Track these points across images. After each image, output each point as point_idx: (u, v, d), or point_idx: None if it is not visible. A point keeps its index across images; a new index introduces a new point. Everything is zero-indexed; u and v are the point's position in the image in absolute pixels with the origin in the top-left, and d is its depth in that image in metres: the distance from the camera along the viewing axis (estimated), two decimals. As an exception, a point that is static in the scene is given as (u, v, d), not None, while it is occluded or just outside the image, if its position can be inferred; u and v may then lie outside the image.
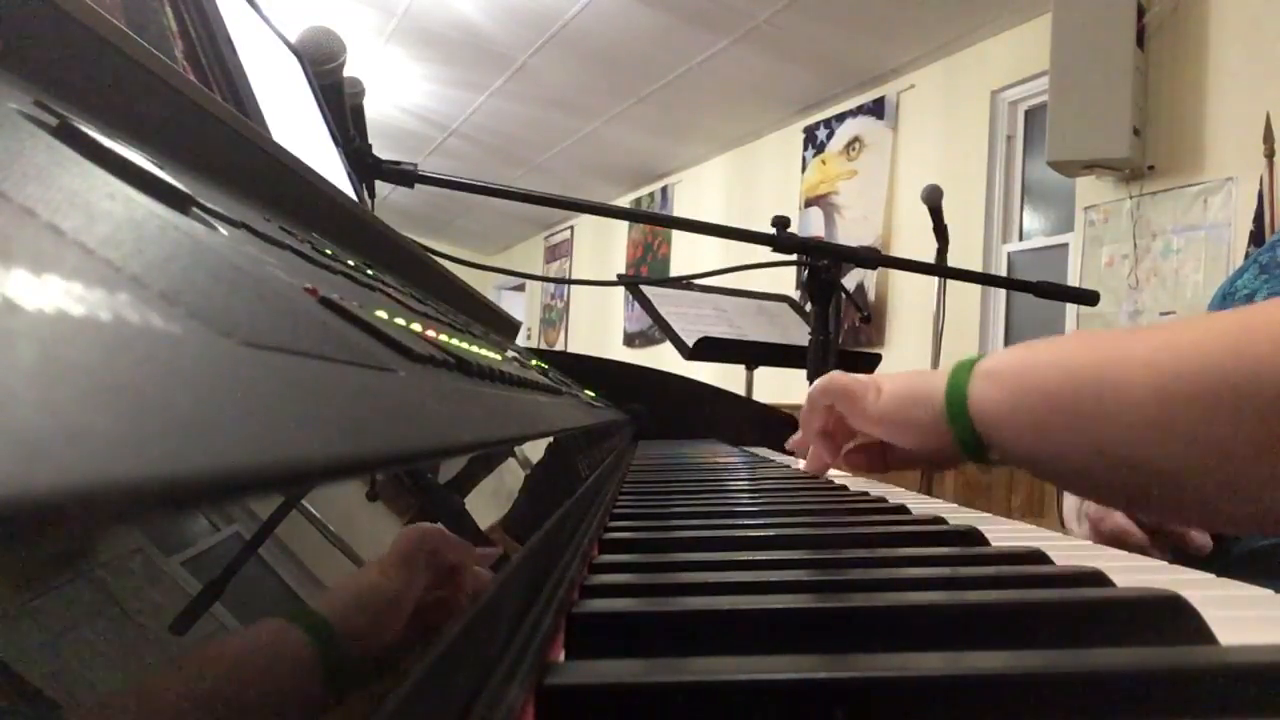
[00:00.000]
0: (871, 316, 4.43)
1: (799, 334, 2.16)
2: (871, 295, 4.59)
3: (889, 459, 0.75)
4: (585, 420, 0.64)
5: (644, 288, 2.30)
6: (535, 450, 0.37)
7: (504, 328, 1.21)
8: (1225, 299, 0.89)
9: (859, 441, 0.76)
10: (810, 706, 0.19)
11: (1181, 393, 0.48)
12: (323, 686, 0.12)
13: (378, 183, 1.17)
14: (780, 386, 2.82)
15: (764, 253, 1.43)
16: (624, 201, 7.09)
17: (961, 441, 0.61)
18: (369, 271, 0.44)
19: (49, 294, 0.08)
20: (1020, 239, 4.13)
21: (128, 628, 0.09)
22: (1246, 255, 2.88)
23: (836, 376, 0.73)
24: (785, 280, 4.46)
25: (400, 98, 5.57)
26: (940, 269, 1.68)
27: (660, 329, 2.17)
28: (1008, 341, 4.09)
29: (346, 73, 1.04)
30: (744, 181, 5.92)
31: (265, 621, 0.12)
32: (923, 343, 3.03)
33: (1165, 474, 0.50)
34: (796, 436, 0.82)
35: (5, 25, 0.22)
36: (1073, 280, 3.57)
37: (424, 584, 0.17)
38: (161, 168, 0.20)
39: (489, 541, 0.23)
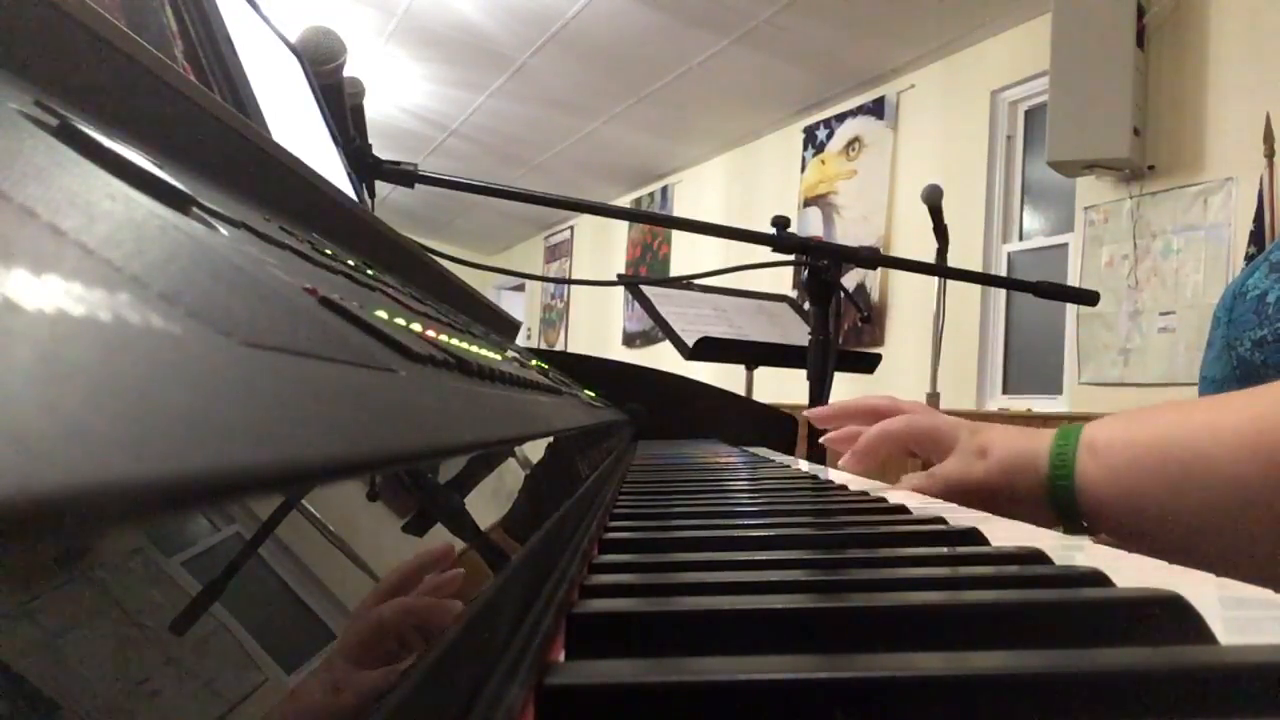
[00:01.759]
0: (871, 316, 4.43)
1: (799, 334, 2.16)
2: (875, 295, 4.59)
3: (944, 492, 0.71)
4: (585, 420, 0.64)
5: (644, 288, 2.30)
6: (535, 450, 0.37)
7: (504, 328, 1.21)
8: (1236, 299, 0.89)
9: (918, 477, 0.71)
10: (810, 706, 0.19)
11: None
12: None
13: (378, 183, 1.17)
14: (780, 386, 2.82)
15: (764, 253, 1.43)
16: (624, 201, 7.09)
17: (1059, 509, 0.61)
18: (369, 271, 0.44)
19: (49, 294, 0.08)
20: (1020, 239, 4.13)
21: (128, 628, 0.09)
22: (1247, 255, 2.88)
23: (936, 425, 0.69)
24: (785, 280, 4.47)
25: (400, 98, 5.57)
26: (940, 269, 1.69)
27: (660, 329, 2.17)
28: (1008, 342, 4.09)
29: (346, 73, 1.04)
30: (744, 181, 5.92)
31: None
32: (923, 343, 3.03)
33: (1269, 544, 0.50)
34: (841, 436, 0.76)
35: (5, 25, 0.22)
36: (1073, 280, 3.58)
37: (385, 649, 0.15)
38: (161, 168, 0.20)
39: (485, 542, 0.23)
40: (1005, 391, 4.08)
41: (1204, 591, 0.27)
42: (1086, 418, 0.68)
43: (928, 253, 2.22)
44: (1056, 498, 0.61)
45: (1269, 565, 0.52)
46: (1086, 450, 0.60)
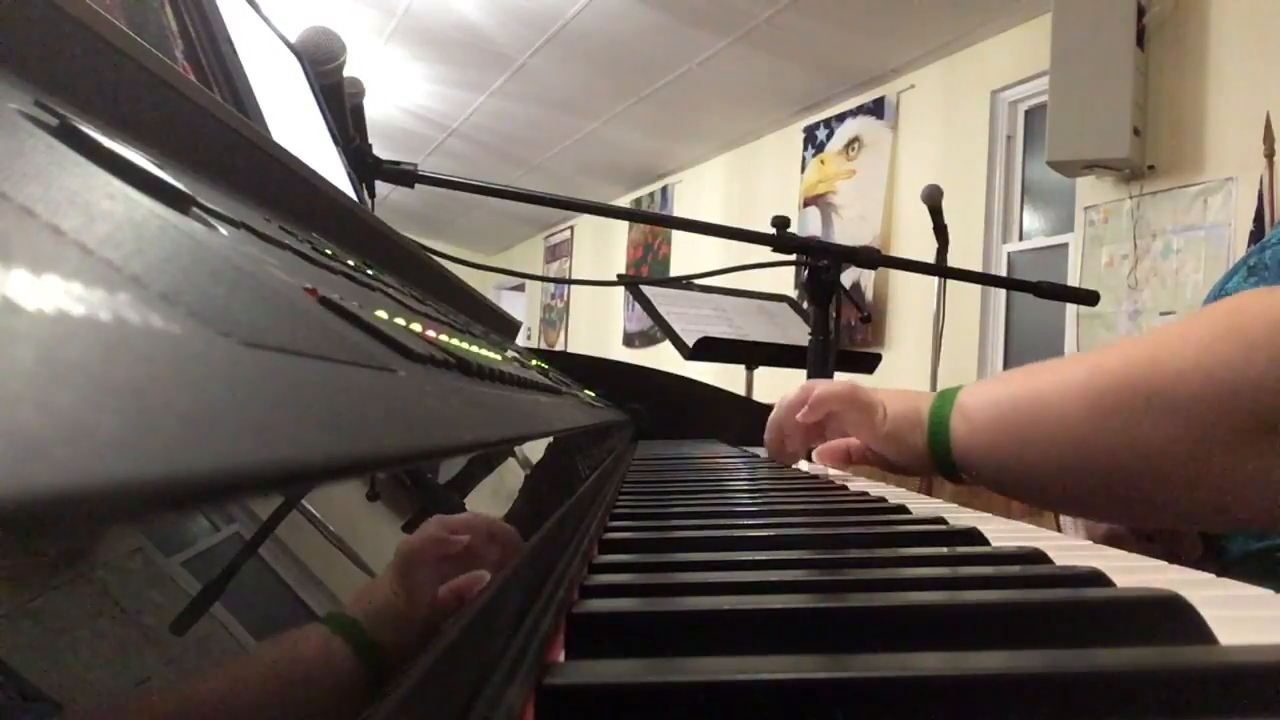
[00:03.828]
0: (871, 316, 4.43)
1: (799, 334, 2.16)
2: (869, 295, 4.59)
3: (854, 458, 0.81)
4: (585, 420, 0.64)
5: (644, 288, 2.30)
6: (535, 450, 0.37)
7: (504, 328, 1.21)
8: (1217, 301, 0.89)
9: (831, 443, 0.83)
10: (810, 706, 0.19)
11: (1108, 405, 0.55)
12: (360, 692, 0.12)
13: (378, 183, 1.17)
14: (780, 386, 2.82)
15: (764, 253, 1.43)
16: (624, 201, 7.08)
17: (938, 465, 0.69)
18: (369, 271, 0.44)
19: (49, 294, 0.08)
20: (1020, 239, 4.13)
21: (128, 628, 0.09)
22: (1247, 255, 2.88)
23: (853, 389, 0.78)
24: (785, 280, 4.46)
25: (400, 98, 5.57)
26: (940, 269, 1.68)
27: (660, 329, 2.17)
28: (1008, 342, 4.09)
29: (346, 73, 1.04)
30: (744, 181, 5.91)
31: (306, 629, 0.12)
32: (923, 343, 3.03)
33: (1104, 479, 0.57)
34: (776, 436, 0.86)
35: (5, 25, 0.22)
36: (1073, 280, 3.57)
37: (441, 580, 0.17)
38: (161, 168, 0.20)
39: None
40: (1005, 391, 4.07)
41: (1203, 591, 0.27)
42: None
43: (927, 253, 2.22)
44: (935, 454, 0.68)
45: (1111, 505, 0.59)
46: (958, 412, 0.67)
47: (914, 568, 0.33)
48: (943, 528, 0.43)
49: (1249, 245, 2.90)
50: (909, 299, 4.44)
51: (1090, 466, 0.57)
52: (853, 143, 4.96)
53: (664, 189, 6.77)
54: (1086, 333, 3.57)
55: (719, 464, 0.89)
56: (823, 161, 5.15)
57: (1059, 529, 0.86)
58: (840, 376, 1.52)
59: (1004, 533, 0.43)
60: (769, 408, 0.90)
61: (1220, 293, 0.89)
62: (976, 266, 4.00)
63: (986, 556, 0.36)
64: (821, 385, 0.83)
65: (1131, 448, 0.54)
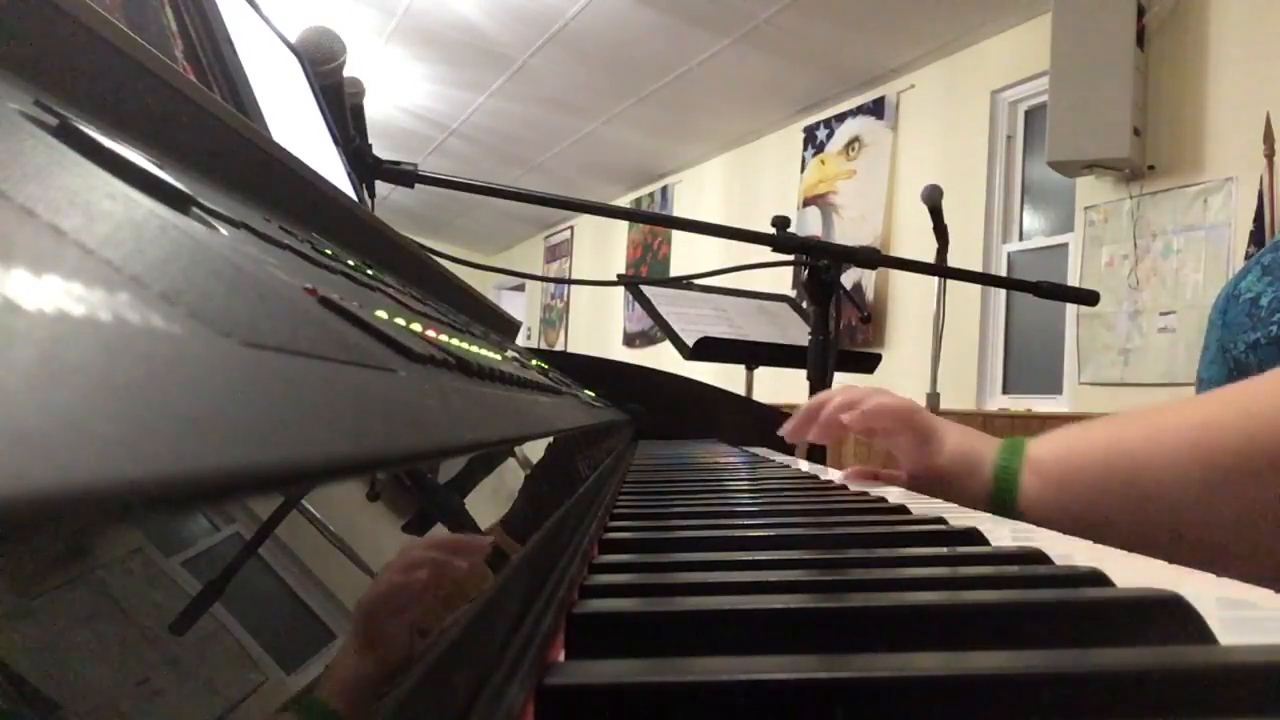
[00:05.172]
0: (871, 316, 4.43)
1: (799, 334, 2.16)
2: (870, 295, 4.59)
3: (883, 479, 0.76)
4: (585, 420, 0.64)
5: (644, 288, 2.30)
6: (535, 450, 0.37)
7: (504, 328, 1.21)
8: (1229, 302, 0.89)
9: (883, 469, 0.77)
10: (810, 706, 0.19)
11: (1225, 467, 0.51)
12: None
13: (378, 183, 1.17)
14: (780, 386, 2.82)
15: (764, 253, 1.43)
16: (624, 201, 7.09)
17: (998, 515, 0.65)
18: (369, 271, 0.44)
19: (49, 294, 0.08)
20: (1020, 239, 4.13)
21: (128, 628, 0.09)
22: (1247, 255, 2.88)
23: (912, 411, 0.74)
24: (785, 280, 4.46)
25: (400, 98, 5.57)
26: (940, 269, 1.69)
27: (660, 329, 2.17)
28: (1008, 342, 4.09)
29: (346, 73, 1.04)
30: (744, 181, 5.91)
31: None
32: (923, 343, 3.02)
33: (1210, 543, 0.52)
34: (806, 420, 0.80)
35: (5, 25, 0.22)
36: (1073, 280, 3.57)
37: (420, 608, 0.16)
38: (161, 168, 0.20)
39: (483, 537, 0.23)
40: (1005, 391, 4.08)
41: (1204, 591, 0.27)
42: (1087, 418, 0.69)
43: (927, 253, 2.22)
44: (999, 506, 0.64)
45: (1209, 564, 0.55)
46: (1031, 470, 0.63)
47: (914, 568, 0.33)
48: (943, 528, 0.43)
49: (1249, 245, 2.90)
50: (909, 299, 4.44)
51: (1199, 533, 0.53)
52: (853, 143, 4.97)
53: (664, 189, 6.77)
54: (1086, 333, 3.57)
55: (719, 464, 0.89)
56: (823, 161, 5.15)
57: None
58: (840, 376, 1.52)
59: (1004, 533, 0.43)
60: (769, 408, 0.88)
61: (1233, 293, 0.89)
62: (976, 266, 4.00)
63: (986, 556, 0.36)
64: (880, 396, 0.77)
65: (1250, 515, 0.50)
